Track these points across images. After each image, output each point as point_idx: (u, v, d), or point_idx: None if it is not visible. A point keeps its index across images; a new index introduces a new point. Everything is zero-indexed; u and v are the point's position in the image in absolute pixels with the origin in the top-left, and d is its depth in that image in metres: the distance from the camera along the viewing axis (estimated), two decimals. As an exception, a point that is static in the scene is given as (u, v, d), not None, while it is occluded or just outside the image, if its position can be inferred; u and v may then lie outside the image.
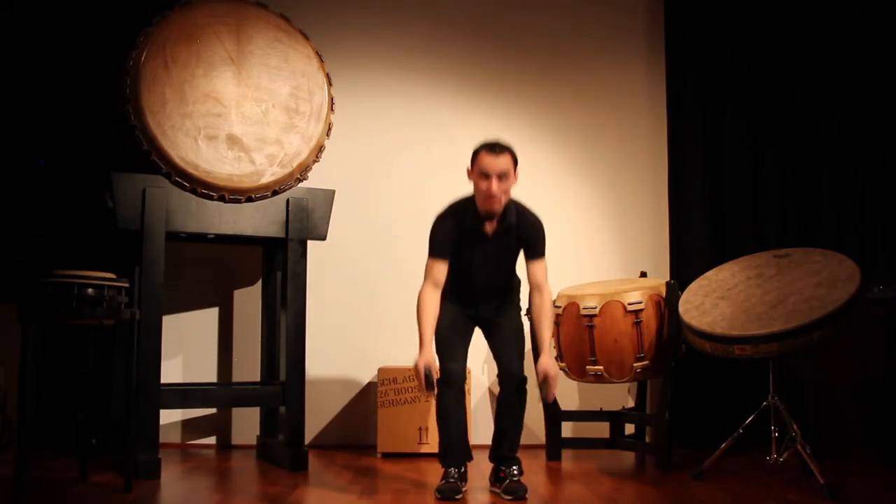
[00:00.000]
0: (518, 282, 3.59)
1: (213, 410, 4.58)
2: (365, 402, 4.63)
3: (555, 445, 4.20)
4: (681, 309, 3.79)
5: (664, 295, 3.99)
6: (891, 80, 4.73)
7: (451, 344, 3.34)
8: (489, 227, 3.35)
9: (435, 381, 3.20)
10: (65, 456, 3.89)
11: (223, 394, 4.20)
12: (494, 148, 3.27)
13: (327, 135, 4.01)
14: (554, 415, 4.22)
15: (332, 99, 4.03)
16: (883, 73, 4.74)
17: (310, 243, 4.05)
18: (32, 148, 4.29)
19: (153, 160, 3.64)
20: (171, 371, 4.43)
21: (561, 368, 4.16)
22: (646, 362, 3.94)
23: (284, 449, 3.89)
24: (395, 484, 3.56)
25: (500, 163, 3.24)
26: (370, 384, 4.62)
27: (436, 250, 3.33)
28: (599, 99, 5.01)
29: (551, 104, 4.97)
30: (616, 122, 4.99)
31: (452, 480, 3.27)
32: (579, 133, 4.97)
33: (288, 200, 3.94)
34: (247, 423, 4.50)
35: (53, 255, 4.13)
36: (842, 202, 4.73)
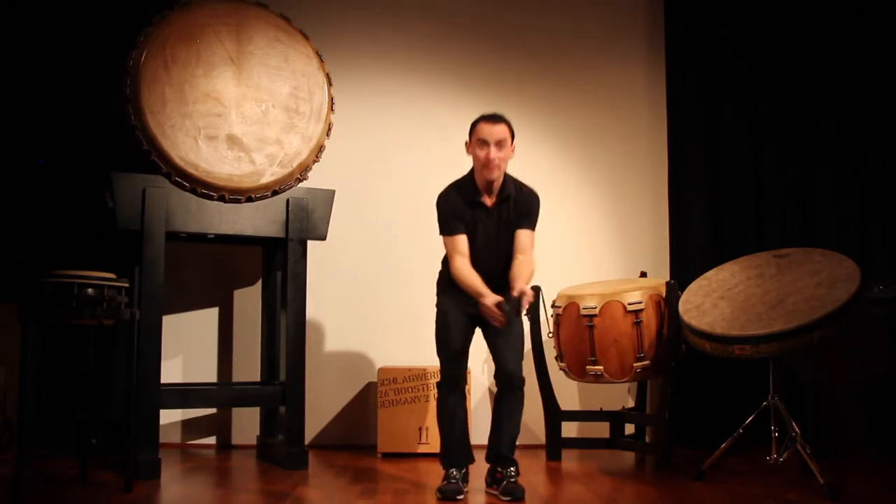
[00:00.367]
0: None
1: (213, 410, 4.58)
2: (365, 402, 4.63)
3: (555, 445, 4.20)
4: (681, 309, 3.79)
5: (664, 295, 3.99)
6: (891, 80, 4.74)
7: (451, 344, 3.34)
8: (489, 201, 3.36)
9: (513, 305, 3.09)
10: (65, 456, 3.89)
11: (223, 394, 4.20)
12: (492, 117, 3.34)
13: (327, 135, 4.01)
14: (554, 415, 4.22)
15: (332, 99, 4.03)
16: (883, 73, 4.75)
17: (310, 243, 4.04)
18: (32, 148, 4.29)
19: (153, 160, 3.64)
20: (171, 371, 4.42)
21: (561, 368, 4.17)
22: (646, 362, 3.94)
23: (284, 449, 3.89)
24: (395, 484, 3.56)
25: (498, 130, 3.29)
26: (370, 384, 4.62)
27: (450, 226, 3.33)
28: (599, 99, 5.01)
29: (551, 104, 4.97)
30: (616, 122, 4.99)
31: (454, 481, 3.27)
32: (579, 133, 4.98)
33: (288, 200, 3.93)
34: (247, 423, 4.50)
35: (53, 255, 4.13)
36: (842, 202, 4.73)
